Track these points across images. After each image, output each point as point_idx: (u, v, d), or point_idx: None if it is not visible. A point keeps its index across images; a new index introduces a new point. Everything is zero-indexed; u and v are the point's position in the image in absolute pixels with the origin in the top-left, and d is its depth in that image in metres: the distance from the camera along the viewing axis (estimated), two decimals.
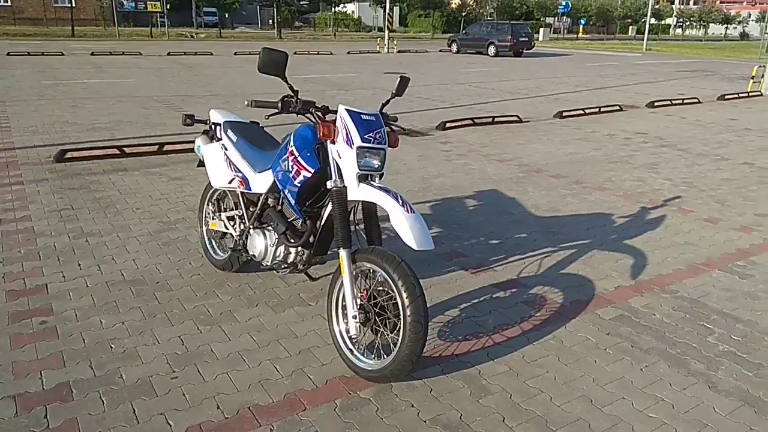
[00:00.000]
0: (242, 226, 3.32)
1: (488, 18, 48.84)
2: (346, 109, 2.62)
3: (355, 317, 2.57)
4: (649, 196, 5.64)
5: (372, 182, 2.62)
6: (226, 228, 3.46)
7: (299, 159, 2.74)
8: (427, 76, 16.33)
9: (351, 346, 2.72)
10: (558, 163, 6.86)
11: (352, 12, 53.55)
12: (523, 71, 18.87)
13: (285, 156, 2.85)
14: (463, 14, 46.45)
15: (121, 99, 10.59)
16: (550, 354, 2.92)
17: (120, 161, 6.29)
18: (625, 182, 6.11)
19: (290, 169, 2.79)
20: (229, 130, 3.36)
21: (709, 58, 28.57)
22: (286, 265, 3.08)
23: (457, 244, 4.29)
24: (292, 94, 2.72)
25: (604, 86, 14.72)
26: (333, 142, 2.62)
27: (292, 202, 2.82)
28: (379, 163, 2.62)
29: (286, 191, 2.84)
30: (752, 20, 66.09)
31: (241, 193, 3.29)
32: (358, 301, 2.61)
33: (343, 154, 2.60)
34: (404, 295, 2.40)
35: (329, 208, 2.75)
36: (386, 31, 25.11)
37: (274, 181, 2.97)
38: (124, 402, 2.45)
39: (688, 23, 63.22)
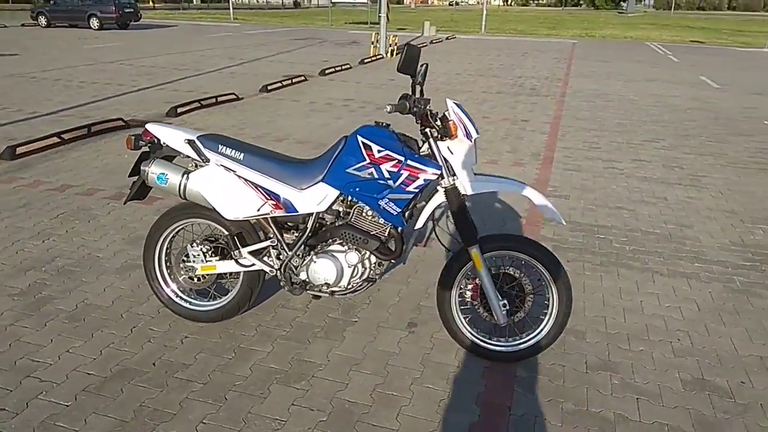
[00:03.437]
0: (282, 257, 2.77)
1: None
2: (455, 103, 2.57)
3: (505, 305, 2.65)
4: None
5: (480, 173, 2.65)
6: (242, 266, 2.81)
7: (412, 163, 2.53)
8: (54, 59, 13.74)
9: (482, 336, 2.77)
10: (326, 134, 7.18)
11: None
12: (157, 45, 17.65)
13: (362, 163, 2.57)
14: None
15: None
16: None
17: None
18: None
19: (393, 176, 2.54)
20: (221, 147, 2.70)
21: (297, 27, 31.68)
22: (361, 284, 2.78)
23: None
24: (410, 93, 2.48)
25: (254, 58, 15.15)
26: (453, 138, 2.54)
27: (397, 211, 2.59)
28: None
29: (383, 202, 2.58)
30: None
31: (273, 218, 2.73)
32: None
33: (459, 149, 2.56)
34: (553, 269, 2.61)
35: (430, 207, 2.65)
36: None
37: (341, 194, 2.64)
38: None
39: None
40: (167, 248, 2.98)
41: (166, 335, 2.89)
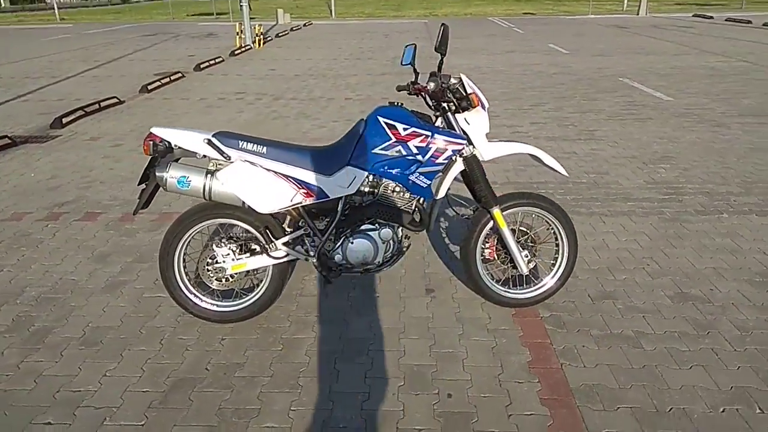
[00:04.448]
0: (316, 243, 2.83)
1: None
2: (466, 76, 2.79)
3: (527, 256, 2.95)
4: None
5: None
6: (275, 258, 2.82)
7: (439, 136, 2.72)
8: None
9: (504, 287, 3.05)
10: (238, 129, 7.01)
11: None
12: None
13: (388, 142, 2.71)
14: None
15: None
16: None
17: None
18: (314, 130, 6.95)
19: (422, 151, 2.71)
20: (241, 143, 2.70)
21: (137, 22, 29.52)
22: (392, 258, 2.93)
23: None
24: (436, 70, 2.66)
25: (110, 58, 14.01)
26: (472, 109, 2.75)
27: (427, 183, 2.77)
28: None
29: (414, 176, 2.75)
30: None
31: (303, 207, 2.78)
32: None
33: (476, 119, 2.79)
34: (567, 229, 2.97)
35: (451, 176, 2.86)
36: None
37: (370, 175, 2.76)
38: None
39: None
40: (185, 254, 2.89)
41: (202, 341, 2.82)
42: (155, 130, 2.69)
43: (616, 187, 4.86)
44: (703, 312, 3.00)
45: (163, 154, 2.70)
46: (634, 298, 3.14)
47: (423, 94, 2.98)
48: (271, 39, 17.74)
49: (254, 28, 15.79)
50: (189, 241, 2.87)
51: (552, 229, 3.01)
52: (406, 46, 3.05)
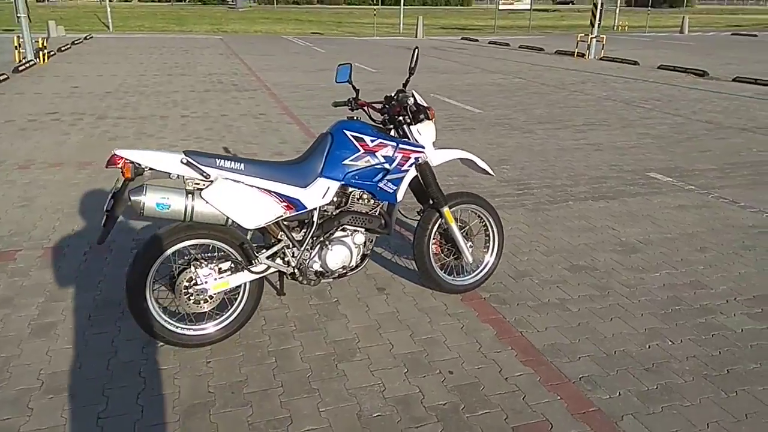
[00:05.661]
0: (295, 255, 2.90)
1: None
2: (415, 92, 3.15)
3: (470, 246, 3.39)
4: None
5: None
6: (256, 273, 2.83)
7: (404, 146, 3.02)
8: None
9: (450, 276, 3.45)
10: (73, 152, 6.42)
11: None
12: None
13: (357, 153, 2.95)
14: None
15: None
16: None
17: None
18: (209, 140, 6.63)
19: (389, 160, 3.00)
20: (218, 161, 2.71)
21: None
22: (361, 261, 3.14)
23: None
24: (401, 88, 2.93)
25: None
26: (430, 120, 3.11)
27: (393, 189, 3.05)
28: None
29: (382, 183, 3.01)
30: None
31: (283, 220, 2.85)
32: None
33: (426, 130, 3.17)
34: (495, 219, 3.48)
35: (406, 181, 3.18)
36: None
37: (342, 185, 2.96)
38: None
39: None
40: (155, 280, 2.74)
41: (186, 367, 2.72)
42: (120, 152, 2.55)
43: (480, 186, 5.61)
44: (596, 278, 3.75)
45: (133, 176, 2.57)
46: (543, 273, 3.79)
47: (367, 108, 3.27)
48: (54, 53, 15.90)
49: (37, 41, 14.04)
50: (159, 267, 2.74)
51: (484, 221, 3.50)
52: (340, 65, 3.30)
